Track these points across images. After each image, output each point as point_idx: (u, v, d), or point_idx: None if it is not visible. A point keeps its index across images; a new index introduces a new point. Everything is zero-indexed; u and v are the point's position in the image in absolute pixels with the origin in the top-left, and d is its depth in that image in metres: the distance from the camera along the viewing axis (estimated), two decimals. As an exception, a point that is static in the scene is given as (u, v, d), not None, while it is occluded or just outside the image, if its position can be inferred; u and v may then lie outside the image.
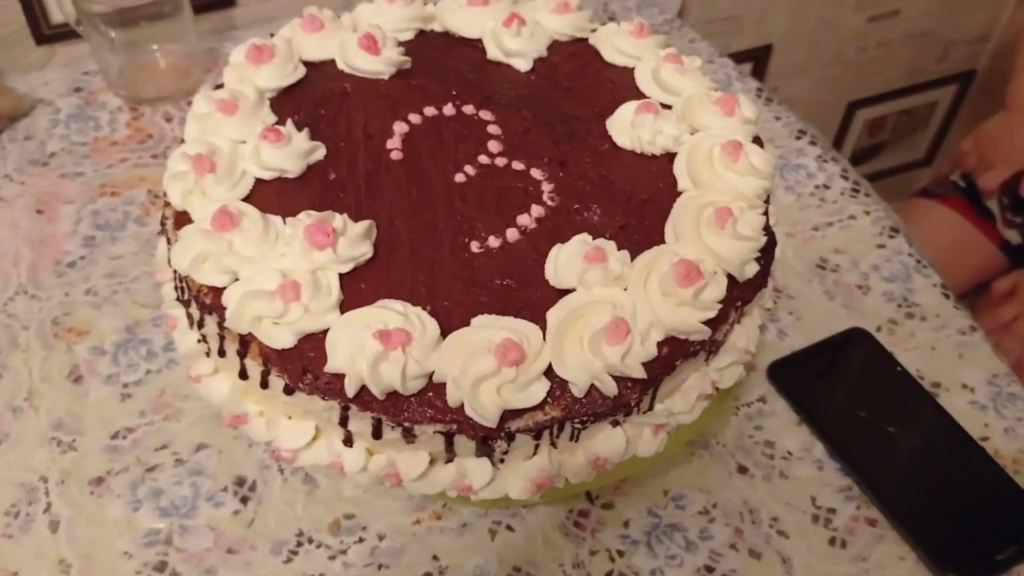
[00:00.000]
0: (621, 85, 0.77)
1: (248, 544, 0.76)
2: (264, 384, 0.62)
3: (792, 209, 1.04)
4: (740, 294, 0.64)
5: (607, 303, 0.60)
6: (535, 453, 0.62)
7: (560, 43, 0.81)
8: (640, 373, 0.59)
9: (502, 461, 0.62)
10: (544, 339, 0.59)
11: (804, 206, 1.04)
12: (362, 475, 0.62)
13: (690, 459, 0.82)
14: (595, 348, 0.58)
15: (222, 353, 0.64)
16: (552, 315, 0.61)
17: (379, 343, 0.57)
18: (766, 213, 0.69)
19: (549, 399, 0.59)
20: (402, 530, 0.77)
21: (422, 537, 0.77)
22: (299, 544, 0.76)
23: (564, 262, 0.63)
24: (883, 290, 0.96)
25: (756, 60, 1.64)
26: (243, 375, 0.63)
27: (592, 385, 0.59)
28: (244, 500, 0.79)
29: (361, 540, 0.77)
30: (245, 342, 0.61)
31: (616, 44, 0.79)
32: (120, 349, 0.89)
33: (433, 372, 0.58)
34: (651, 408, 0.64)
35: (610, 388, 0.59)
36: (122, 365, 0.88)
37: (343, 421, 0.60)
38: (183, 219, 0.67)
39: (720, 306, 0.62)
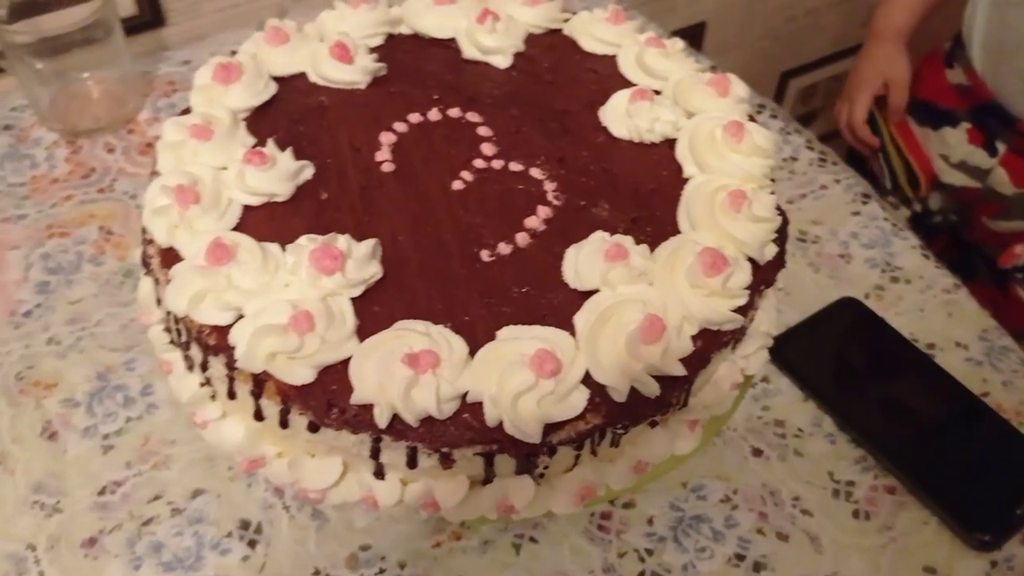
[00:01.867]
0: (605, 74, 0.75)
1: (264, 584, 0.72)
2: (284, 424, 0.58)
3: None
4: (763, 277, 0.63)
5: (637, 301, 0.58)
6: (576, 464, 0.60)
7: (535, 36, 0.79)
8: (680, 370, 0.57)
9: (543, 476, 0.59)
10: (576, 345, 0.57)
11: (776, 180, 1.03)
12: (398, 508, 0.59)
13: (704, 448, 0.80)
14: (633, 349, 0.56)
15: (232, 395, 0.60)
16: (581, 319, 0.58)
17: (408, 368, 0.54)
18: (773, 192, 0.68)
19: (589, 407, 0.56)
20: (423, 555, 0.74)
21: (444, 560, 0.74)
22: (316, 579, 0.73)
23: (585, 263, 0.60)
24: (865, 257, 0.96)
25: (691, 38, 1.64)
26: (259, 416, 0.59)
27: (632, 388, 0.57)
28: (252, 544, 0.75)
29: (382, 571, 0.73)
30: (259, 381, 0.57)
31: (594, 33, 0.77)
32: (94, 399, 0.83)
33: (467, 392, 0.55)
34: (686, 404, 0.62)
35: (652, 389, 0.57)
36: (99, 416, 0.82)
37: (374, 454, 0.57)
38: (170, 256, 0.62)
39: (748, 292, 0.61)
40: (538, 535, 0.75)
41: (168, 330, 0.64)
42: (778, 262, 0.64)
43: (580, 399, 0.56)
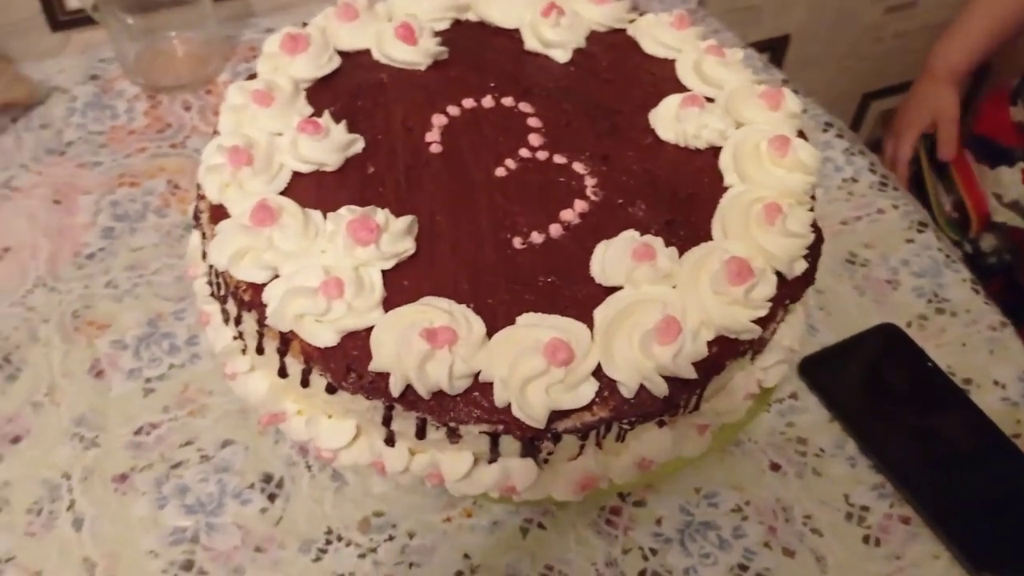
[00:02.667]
0: (661, 77, 0.76)
1: (276, 543, 0.75)
2: (305, 383, 0.60)
3: (820, 202, 1.01)
4: (788, 292, 0.63)
5: (657, 302, 0.59)
6: (580, 454, 0.61)
7: (598, 34, 0.80)
8: (691, 373, 0.58)
9: (546, 462, 0.61)
10: (592, 338, 0.58)
11: (832, 199, 1.03)
12: (404, 475, 0.61)
13: (722, 457, 0.81)
14: (646, 348, 0.57)
15: (260, 351, 0.63)
16: (600, 314, 0.60)
17: (426, 342, 0.56)
18: (812, 209, 0.68)
19: (597, 399, 0.58)
20: (432, 528, 0.76)
21: (453, 535, 0.76)
22: (328, 542, 0.75)
23: (612, 259, 0.62)
24: (913, 285, 0.95)
25: (773, 51, 1.63)
26: (282, 373, 0.62)
27: (641, 386, 0.58)
28: (272, 497, 0.78)
29: (391, 538, 0.76)
30: (286, 340, 0.60)
31: (656, 36, 0.78)
32: (142, 343, 0.87)
33: (479, 372, 0.57)
34: (697, 408, 0.63)
35: (660, 389, 0.58)
36: (144, 359, 0.86)
37: (386, 421, 0.59)
38: (219, 213, 0.65)
39: (770, 304, 0.61)
40: (547, 522, 0.77)
41: (210, 283, 0.67)
42: (807, 278, 0.64)
43: (589, 391, 0.57)
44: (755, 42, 1.52)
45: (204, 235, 0.66)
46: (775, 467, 0.80)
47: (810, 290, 0.91)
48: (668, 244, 0.63)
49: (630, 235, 0.62)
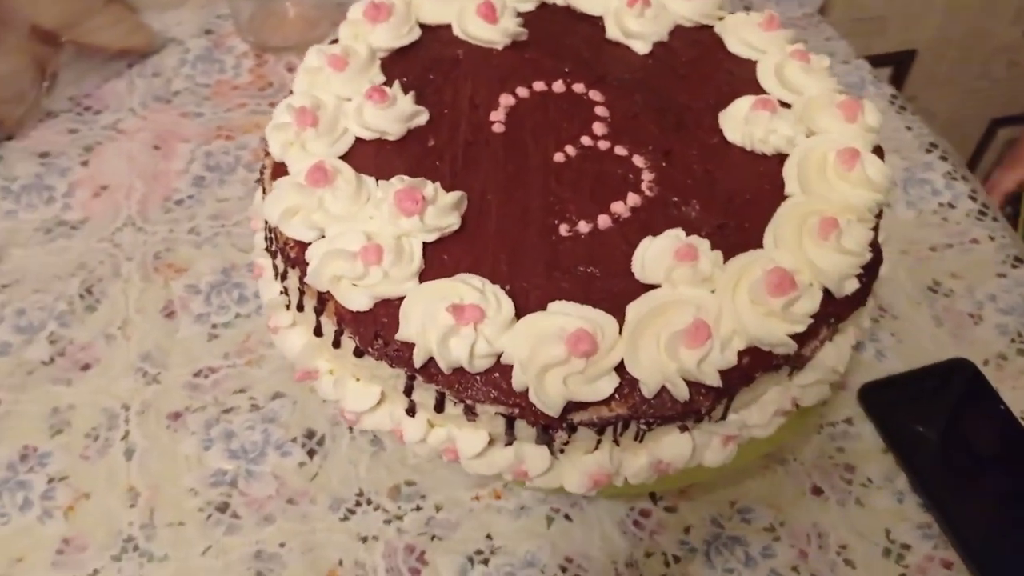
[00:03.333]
0: (741, 78, 0.74)
1: (308, 497, 0.77)
2: (336, 344, 0.62)
3: (910, 226, 0.98)
4: (835, 310, 0.61)
5: (691, 304, 0.58)
6: (596, 448, 0.60)
7: (684, 28, 0.78)
8: (715, 381, 0.57)
9: (562, 451, 0.61)
10: (620, 333, 0.58)
11: (924, 224, 0.99)
12: (421, 446, 0.62)
13: (763, 472, 0.79)
14: (671, 349, 0.56)
15: (300, 308, 0.64)
16: (632, 309, 0.59)
17: (451, 317, 0.56)
18: (876, 228, 0.65)
19: (616, 395, 0.57)
20: (460, 504, 0.77)
21: (479, 514, 0.76)
22: (358, 504, 0.77)
23: (653, 256, 0.61)
24: (997, 322, 0.90)
25: (897, 65, 1.56)
26: (318, 332, 0.63)
27: (663, 387, 0.57)
28: (311, 453, 0.80)
29: (418, 508, 0.77)
30: (323, 300, 0.61)
31: (742, 35, 0.76)
32: (214, 290, 0.91)
33: (502, 353, 0.57)
34: (724, 417, 0.61)
35: (681, 392, 0.56)
36: (214, 306, 0.89)
37: (408, 391, 0.60)
38: (280, 170, 0.67)
39: (811, 321, 0.59)
40: (574, 514, 0.76)
41: (266, 238, 0.69)
42: (857, 299, 0.62)
43: (608, 386, 0.56)
44: (878, 55, 1.47)
45: (264, 191, 0.68)
46: (817, 491, 0.78)
47: (884, 315, 0.89)
48: (715, 247, 0.61)
49: (675, 234, 0.61)
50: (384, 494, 0.77)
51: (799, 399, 0.64)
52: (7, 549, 0.74)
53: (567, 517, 0.76)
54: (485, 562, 0.74)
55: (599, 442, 0.60)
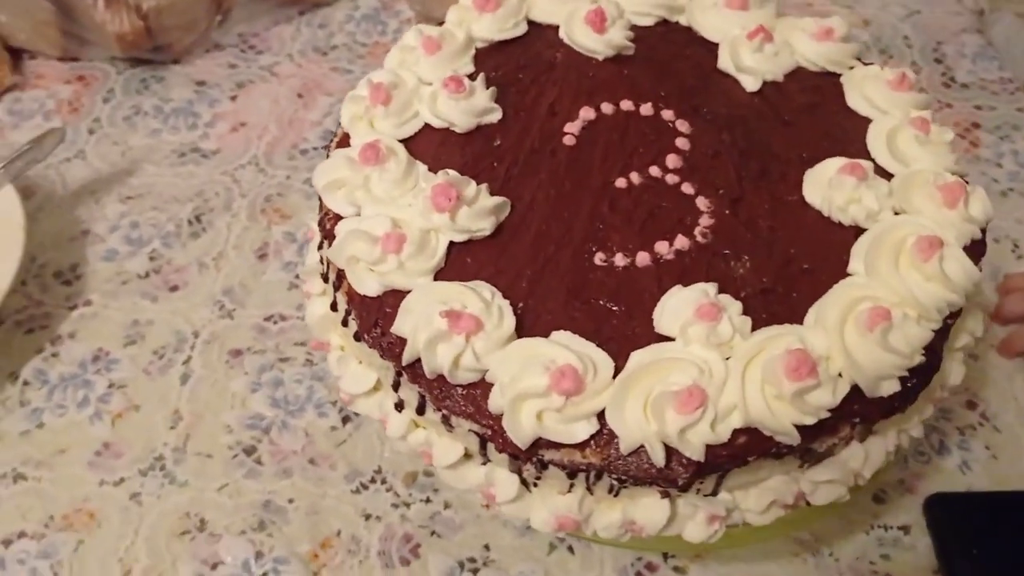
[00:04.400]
0: (849, 136, 0.67)
1: (330, 462, 0.78)
2: (345, 322, 0.62)
3: None
4: (862, 410, 0.55)
5: (695, 366, 0.54)
6: (570, 491, 0.57)
7: (805, 71, 0.72)
8: (697, 454, 0.52)
9: (535, 484, 0.58)
10: (612, 379, 0.54)
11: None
12: (402, 443, 0.61)
13: (790, 558, 0.73)
14: (658, 409, 0.52)
15: (325, 279, 0.64)
16: (635, 357, 0.55)
17: (445, 322, 0.55)
18: (944, 331, 0.58)
19: (592, 443, 0.54)
20: (469, 507, 0.76)
21: (484, 522, 0.75)
22: (372, 480, 0.77)
23: (673, 307, 0.56)
24: (1120, 466, 0.79)
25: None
26: (333, 307, 0.63)
27: (642, 447, 0.53)
28: (345, 420, 0.81)
29: (428, 500, 0.76)
30: (340, 277, 0.61)
31: (865, 90, 0.69)
32: (310, 244, 0.93)
33: (488, 370, 0.55)
34: (714, 493, 0.57)
35: (658, 457, 0.53)
36: (303, 257, 0.92)
37: (395, 385, 0.59)
38: (344, 141, 0.67)
39: (827, 415, 0.53)
40: (578, 548, 0.74)
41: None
42: (895, 404, 0.56)
43: (583, 431, 0.53)
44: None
45: (328, 156, 0.69)
46: (844, 596, 0.71)
47: (985, 424, 0.79)
48: (749, 312, 0.56)
49: (704, 288, 0.57)
50: (400, 478, 0.77)
51: (808, 495, 0.58)
52: (56, 439, 0.80)
53: (570, 549, 0.73)
54: (475, 572, 0.73)
55: (572, 486, 0.57)
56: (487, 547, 0.74)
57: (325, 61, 1.11)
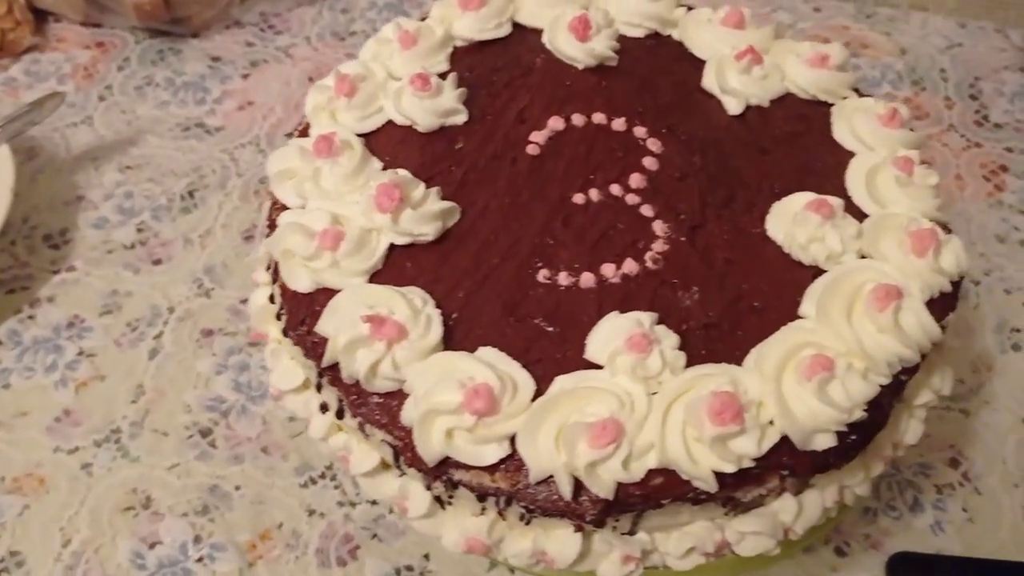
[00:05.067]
0: (828, 171, 0.64)
1: (282, 453, 0.77)
2: (278, 316, 0.60)
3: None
4: (792, 463, 0.52)
5: (616, 398, 0.51)
6: (482, 513, 0.55)
7: (794, 98, 0.68)
8: (606, 492, 0.50)
9: (449, 503, 0.56)
10: (529, 405, 0.52)
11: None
12: (323, 445, 0.60)
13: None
14: (569, 440, 0.50)
15: (268, 267, 0.63)
16: (558, 383, 0.53)
17: (367, 327, 0.53)
18: (897, 387, 0.55)
19: (502, 467, 0.52)
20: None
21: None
22: (322, 476, 0.76)
23: (604, 334, 0.54)
24: (1107, 544, 0.74)
25: None
26: (272, 299, 0.62)
27: (552, 477, 0.51)
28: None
29: (374, 503, 0.75)
30: (277, 271, 0.60)
31: (852, 123, 0.65)
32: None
33: (406, 381, 0.53)
34: (631, 532, 0.54)
35: (565, 490, 0.50)
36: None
37: (318, 387, 0.58)
38: (305, 131, 0.66)
39: (752, 464, 0.50)
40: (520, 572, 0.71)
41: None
42: (830, 459, 0.52)
43: (492, 454, 0.51)
44: None
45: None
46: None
47: (966, 484, 0.75)
48: (687, 347, 0.54)
49: (637, 317, 0.54)
50: (350, 478, 0.76)
51: (734, 545, 0.55)
52: (19, 401, 0.80)
53: (511, 570, 0.71)
54: (409, 581, 0.71)
55: (484, 508, 0.55)
56: (427, 557, 0.72)
57: (342, 47, 1.09)
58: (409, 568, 0.72)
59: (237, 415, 0.79)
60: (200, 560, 0.72)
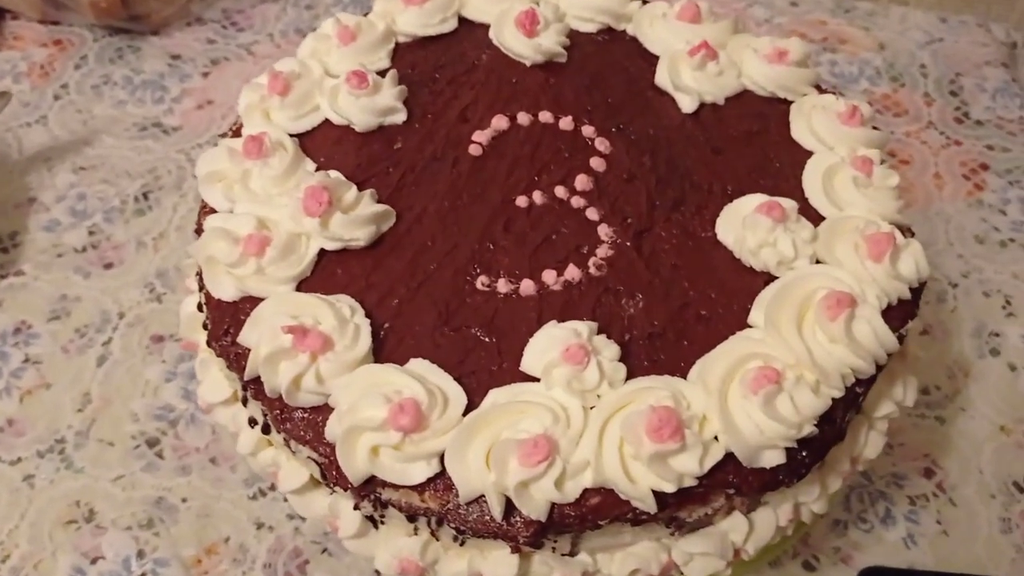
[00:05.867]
0: (784, 172, 0.61)
1: (231, 464, 0.75)
2: (205, 325, 0.58)
3: (1003, 404, 0.79)
4: (739, 481, 0.49)
5: (550, 413, 0.48)
6: (415, 534, 0.52)
7: (752, 95, 0.66)
8: (539, 512, 0.47)
9: (382, 522, 0.53)
10: (459, 421, 0.49)
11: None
12: (252, 460, 0.57)
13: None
14: (500, 458, 0.47)
15: (196, 274, 0.61)
16: (491, 397, 0.50)
17: (289, 338, 0.50)
18: (852, 400, 0.52)
19: (431, 487, 0.49)
20: (364, 531, 0.71)
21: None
22: (272, 489, 0.73)
23: (540, 344, 0.51)
24: (1082, 555, 0.71)
25: None
26: (200, 307, 0.59)
27: (482, 496, 0.48)
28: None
29: (324, 516, 0.72)
30: (202, 279, 0.57)
31: (813, 121, 0.63)
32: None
33: (331, 395, 0.51)
34: (572, 553, 0.51)
35: (496, 510, 0.48)
36: (244, 244, 0.88)
37: (243, 400, 0.55)
38: (237, 131, 0.63)
39: (695, 483, 0.48)
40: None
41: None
42: (779, 477, 0.50)
43: (420, 473, 0.49)
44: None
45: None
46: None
47: (941, 494, 0.72)
48: (628, 359, 0.51)
49: (574, 327, 0.51)
50: (288, 492, 0.73)
51: (681, 566, 0.52)
52: (-41, 413, 0.78)
53: None
54: (360, 597, 0.68)
55: (416, 529, 0.52)
56: (378, 572, 0.69)
57: (305, 43, 1.06)
58: (358, 582, 0.69)
59: (186, 424, 0.77)
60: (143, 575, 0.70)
